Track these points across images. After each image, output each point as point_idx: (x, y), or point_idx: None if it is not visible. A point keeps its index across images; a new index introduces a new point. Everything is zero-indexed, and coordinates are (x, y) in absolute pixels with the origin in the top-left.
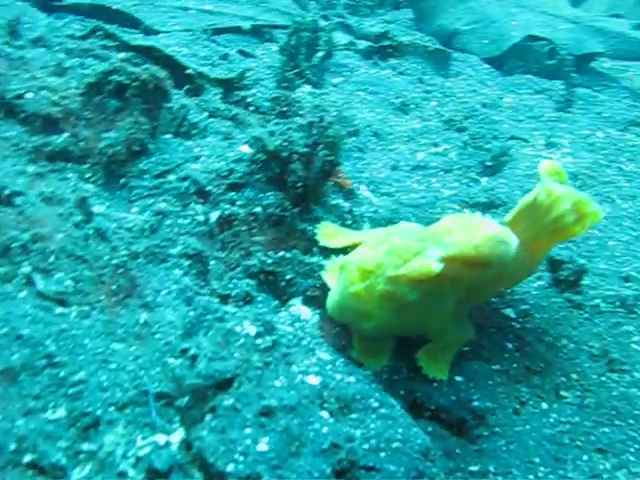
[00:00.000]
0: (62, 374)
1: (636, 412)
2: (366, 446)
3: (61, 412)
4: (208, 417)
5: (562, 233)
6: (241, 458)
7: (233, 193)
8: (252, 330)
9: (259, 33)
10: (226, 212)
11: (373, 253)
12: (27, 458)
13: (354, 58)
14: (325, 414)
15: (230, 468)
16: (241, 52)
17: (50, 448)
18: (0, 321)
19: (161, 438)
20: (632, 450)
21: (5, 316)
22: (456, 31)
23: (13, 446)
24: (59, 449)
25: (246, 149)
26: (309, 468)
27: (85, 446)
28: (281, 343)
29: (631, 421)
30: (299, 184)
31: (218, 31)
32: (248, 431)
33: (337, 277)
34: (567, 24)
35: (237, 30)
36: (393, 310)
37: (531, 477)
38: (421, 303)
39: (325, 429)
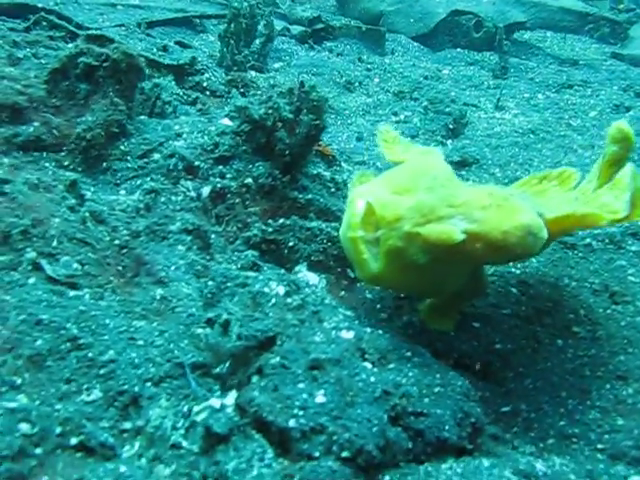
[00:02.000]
0: (90, 355)
1: None
2: (411, 392)
3: (97, 393)
4: (255, 379)
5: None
6: (301, 412)
7: (221, 166)
8: (281, 290)
9: (191, 24)
10: (218, 186)
11: (394, 201)
12: (74, 440)
13: (290, 43)
14: (368, 364)
15: (292, 423)
16: (179, 43)
17: (95, 429)
18: (16, 308)
19: (216, 402)
20: None
21: (19, 303)
22: (382, 12)
23: (58, 429)
24: (104, 429)
25: (227, 122)
26: (367, 416)
27: (128, 424)
28: (308, 302)
29: None
30: (287, 152)
31: (151, 24)
32: (301, 386)
33: (349, 206)
34: None
35: (171, 22)
36: (397, 268)
37: (562, 410)
38: (428, 269)
39: (372, 378)
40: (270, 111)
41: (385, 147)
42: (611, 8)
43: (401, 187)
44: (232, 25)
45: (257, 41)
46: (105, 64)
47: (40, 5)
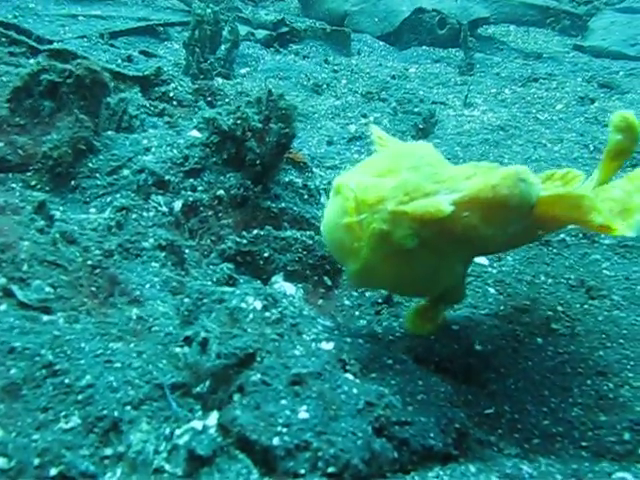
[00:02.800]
0: (67, 381)
1: (624, 332)
2: (394, 402)
3: (75, 420)
4: (236, 397)
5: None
6: (284, 430)
7: (192, 179)
8: (258, 304)
9: (155, 33)
10: (189, 199)
11: (376, 183)
12: (54, 471)
13: (256, 48)
14: (350, 376)
15: (276, 441)
16: (143, 53)
17: (74, 457)
18: None
19: (198, 424)
20: (629, 367)
21: None
22: (346, 13)
23: (36, 461)
24: (84, 457)
25: (196, 134)
26: (351, 429)
27: (109, 450)
28: (287, 315)
29: (621, 341)
30: (257, 161)
31: (114, 34)
32: (284, 402)
33: (330, 200)
34: None
35: (134, 32)
36: (384, 256)
37: (545, 409)
38: (419, 257)
39: (355, 390)
40: (239, 121)
41: (379, 145)
42: (570, 0)
43: (384, 170)
44: (196, 32)
45: (222, 47)
46: (68, 80)
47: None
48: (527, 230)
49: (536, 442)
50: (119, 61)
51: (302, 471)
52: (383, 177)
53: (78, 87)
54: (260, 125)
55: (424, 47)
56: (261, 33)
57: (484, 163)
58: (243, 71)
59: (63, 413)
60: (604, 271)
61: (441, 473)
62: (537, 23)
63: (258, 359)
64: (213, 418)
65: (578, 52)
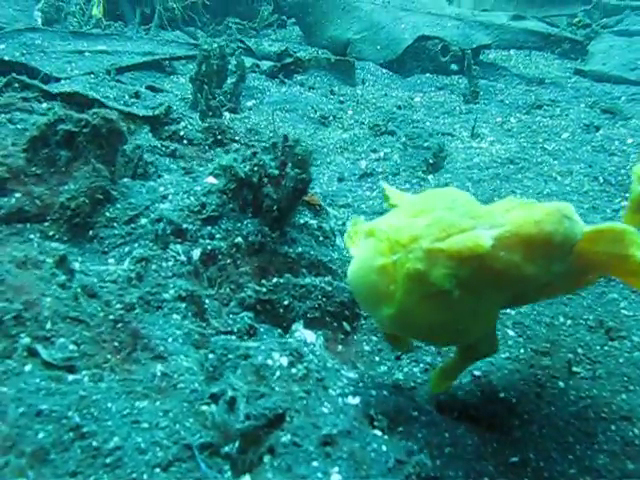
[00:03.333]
0: (94, 444)
1: None
2: (423, 458)
3: None
4: (267, 458)
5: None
6: None
7: (210, 227)
8: (284, 361)
9: (160, 67)
10: (208, 248)
11: (409, 223)
12: None
13: (261, 79)
14: (378, 432)
15: None
16: (150, 88)
17: None
18: (15, 400)
19: None
20: None
21: (17, 394)
22: (349, 40)
23: None
24: None
25: (212, 180)
26: None
27: None
28: (312, 369)
29: None
30: (274, 207)
31: (121, 70)
32: (315, 464)
33: (361, 244)
34: (452, 21)
35: (140, 67)
36: (420, 298)
37: (570, 457)
38: (456, 299)
39: (384, 447)
40: (256, 168)
41: (393, 201)
42: (568, 24)
43: (416, 211)
44: (203, 67)
45: (229, 81)
46: (85, 130)
47: (7, 58)
48: (568, 276)
49: None
50: (127, 97)
51: None
52: (417, 217)
53: (94, 136)
54: (277, 171)
55: (427, 74)
56: (265, 64)
57: (520, 199)
58: (249, 104)
59: (92, 478)
60: (622, 311)
61: None
62: (537, 50)
63: (288, 419)
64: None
65: (579, 77)
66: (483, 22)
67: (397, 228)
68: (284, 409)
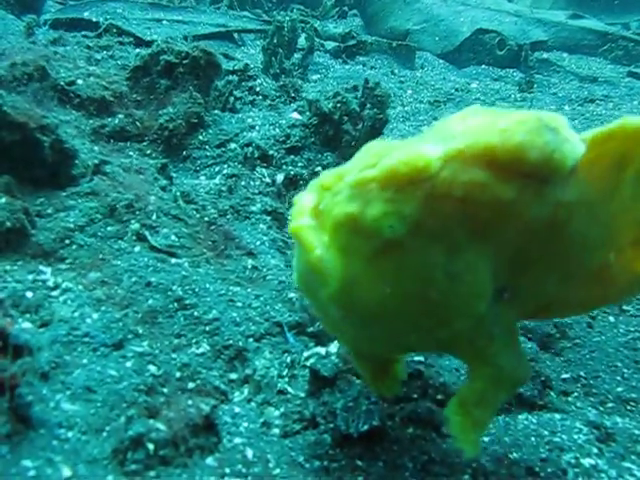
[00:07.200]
0: (195, 314)
1: None
2: None
3: (205, 347)
4: None
5: None
6: None
7: (293, 156)
8: None
9: (232, 39)
10: (291, 173)
11: (336, 169)
12: (191, 385)
13: (325, 57)
14: None
15: None
16: (224, 55)
17: (208, 376)
18: (127, 271)
19: (322, 350)
20: None
21: (130, 267)
22: (408, 31)
23: (177, 374)
24: (215, 377)
25: (297, 116)
26: None
27: (234, 375)
28: None
29: None
30: (352, 143)
31: (197, 37)
32: None
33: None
34: (511, 17)
35: (213, 36)
36: (364, 263)
37: (618, 378)
38: (414, 253)
39: None
40: (338, 104)
41: None
42: (623, 28)
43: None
44: (275, 38)
45: (295, 55)
46: (185, 61)
47: (94, 19)
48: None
49: (610, 405)
50: None
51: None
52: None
53: (193, 67)
54: (358, 109)
55: (483, 66)
56: (330, 44)
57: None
58: (315, 77)
59: (194, 340)
60: None
61: (530, 417)
62: (592, 51)
63: None
64: (333, 347)
65: (632, 78)
66: (541, 19)
67: (322, 176)
68: None
